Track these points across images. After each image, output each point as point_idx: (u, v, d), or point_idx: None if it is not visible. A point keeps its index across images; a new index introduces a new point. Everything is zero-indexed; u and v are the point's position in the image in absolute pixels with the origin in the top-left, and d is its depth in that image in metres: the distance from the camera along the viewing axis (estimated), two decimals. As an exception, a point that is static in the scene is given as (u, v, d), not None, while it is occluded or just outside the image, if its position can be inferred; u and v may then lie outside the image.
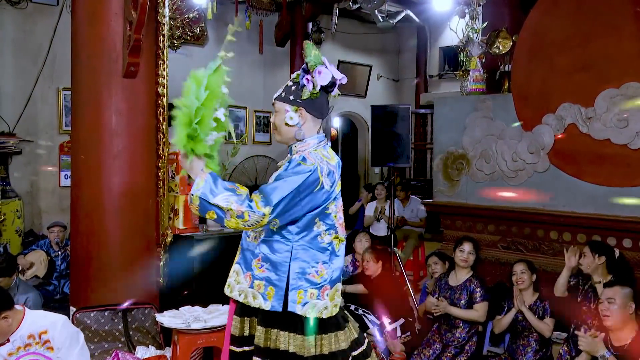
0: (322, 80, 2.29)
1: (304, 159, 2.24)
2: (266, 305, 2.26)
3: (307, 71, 2.31)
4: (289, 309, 2.24)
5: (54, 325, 2.76)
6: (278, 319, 2.27)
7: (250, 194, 2.18)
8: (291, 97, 2.35)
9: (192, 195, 2.13)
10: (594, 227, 4.78)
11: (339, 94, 2.43)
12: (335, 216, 2.34)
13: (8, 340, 2.63)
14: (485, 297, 4.32)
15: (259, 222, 2.12)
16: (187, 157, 2.18)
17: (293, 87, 2.36)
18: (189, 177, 2.33)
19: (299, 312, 2.24)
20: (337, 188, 2.36)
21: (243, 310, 2.37)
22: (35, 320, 2.74)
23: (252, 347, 2.32)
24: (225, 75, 2.38)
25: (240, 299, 2.33)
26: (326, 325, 2.30)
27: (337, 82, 2.35)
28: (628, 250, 4.62)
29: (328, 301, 2.30)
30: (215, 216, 2.13)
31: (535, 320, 4.14)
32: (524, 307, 4.18)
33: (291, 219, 2.22)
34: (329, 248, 2.33)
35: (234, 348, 2.38)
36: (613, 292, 3.31)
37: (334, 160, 2.35)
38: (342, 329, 2.35)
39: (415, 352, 4.44)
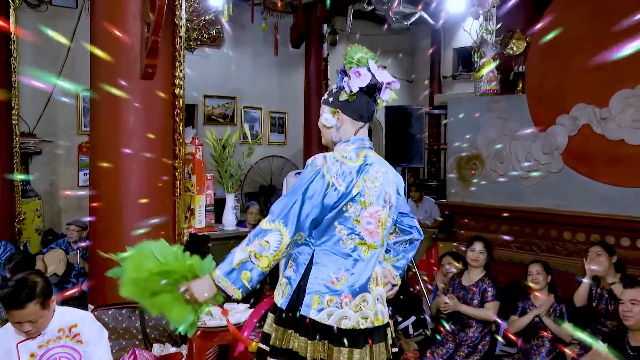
0: (357, 83, 2.23)
1: (313, 162, 2.21)
2: (280, 303, 2.24)
3: (345, 73, 2.28)
4: (302, 312, 2.16)
5: (83, 319, 2.81)
6: (292, 321, 2.20)
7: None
8: (330, 99, 2.33)
9: (223, 286, 2.11)
10: (607, 228, 4.75)
11: (393, 98, 2.34)
12: (358, 221, 2.19)
13: (39, 334, 2.65)
14: (497, 297, 4.32)
15: (281, 240, 2.09)
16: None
17: (334, 89, 2.34)
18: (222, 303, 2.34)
19: (313, 317, 2.14)
20: (374, 194, 2.22)
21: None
22: (64, 315, 2.77)
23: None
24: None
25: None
26: (346, 337, 2.15)
27: (384, 86, 2.26)
28: (642, 251, 4.59)
29: (349, 311, 2.16)
30: (249, 274, 2.09)
31: (556, 327, 4.12)
32: (544, 316, 4.16)
33: (313, 224, 2.15)
34: (353, 254, 2.20)
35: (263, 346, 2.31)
36: (638, 293, 3.29)
37: (357, 162, 2.21)
38: (362, 345, 2.17)
39: (428, 351, 4.44)
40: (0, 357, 2.57)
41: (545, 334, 4.21)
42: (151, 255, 2.24)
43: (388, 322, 2.31)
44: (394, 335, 2.39)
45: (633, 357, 3.24)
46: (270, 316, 2.31)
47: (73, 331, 2.73)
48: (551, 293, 4.25)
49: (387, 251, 2.45)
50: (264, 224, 2.14)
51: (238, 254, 2.13)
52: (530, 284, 4.29)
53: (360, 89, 2.25)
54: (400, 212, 2.47)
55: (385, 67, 2.30)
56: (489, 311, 4.29)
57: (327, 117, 2.33)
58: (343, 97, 2.28)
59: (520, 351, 4.41)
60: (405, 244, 2.52)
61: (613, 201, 4.71)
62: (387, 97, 2.30)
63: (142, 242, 2.31)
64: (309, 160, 2.24)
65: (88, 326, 2.80)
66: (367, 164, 2.23)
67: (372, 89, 2.26)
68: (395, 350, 2.38)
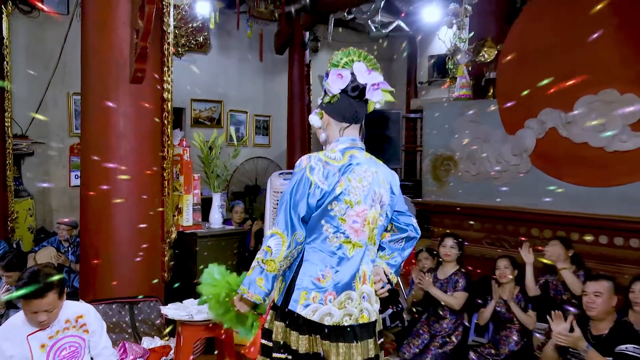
0: (337, 85, 2.21)
1: (299, 164, 2.20)
2: (277, 299, 2.25)
3: (328, 76, 2.26)
4: (290, 307, 2.16)
5: (88, 311, 2.84)
6: (285, 315, 2.21)
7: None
8: (319, 101, 2.32)
9: (245, 294, 2.19)
10: (572, 225, 4.80)
11: (388, 100, 2.29)
12: (344, 220, 2.15)
13: (48, 325, 2.65)
14: (465, 288, 4.37)
15: (280, 243, 2.10)
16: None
17: (323, 92, 2.31)
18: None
19: (300, 313, 2.13)
20: (361, 194, 2.18)
21: None
22: (68, 307, 2.79)
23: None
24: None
25: None
26: (333, 333, 2.14)
27: (369, 87, 2.22)
28: (604, 246, 4.65)
29: (333, 307, 2.13)
30: (263, 279, 2.14)
31: (520, 313, 4.19)
32: (511, 302, 4.22)
33: (304, 221, 2.15)
34: (338, 252, 2.17)
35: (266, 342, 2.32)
36: (600, 285, 3.34)
37: (342, 162, 2.17)
38: (349, 341, 2.15)
39: (404, 342, 4.47)
40: (11, 349, 2.56)
41: (513, 326, 4.26)
42: (217, 281, 2.47)
43: (376, 320, 2.26)
44: (380, 328, 2.36)
45: (594, 344, 3.29)
46: (271, 312, 2.30)
47: (80, 322, 2.75)
48: (517, 286, 4.30)
49: (382, 249, 2.39)
50: (268, 232, 2.18)
51: (253, 263, 2.18)
52: (498, 278, 4.36)
53: (343, 90, 2.22)
54: (396, 211, 2.39)
55: (376, 69, 2.25)
56: (456, 299, 4.34)
57: (312, 118, 2.32)
58: (326, 99, 2.27)
59: (490, 341, 4.45)
60: (402, 241, 2.42)
61: (578, 200, 4.76)
62: (378, 98, 2.25)
63: (207, 271, 2.56)
64: (297, 162, 2.23)
65: (92, 317, 2.83)
66: (351, 164, 2.18)
67: (354, 91, 2.22)
68: (381, 340, 2.35)
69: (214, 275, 2.49)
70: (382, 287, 2.30)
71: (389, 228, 2.42)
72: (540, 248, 4.46)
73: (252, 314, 2.35)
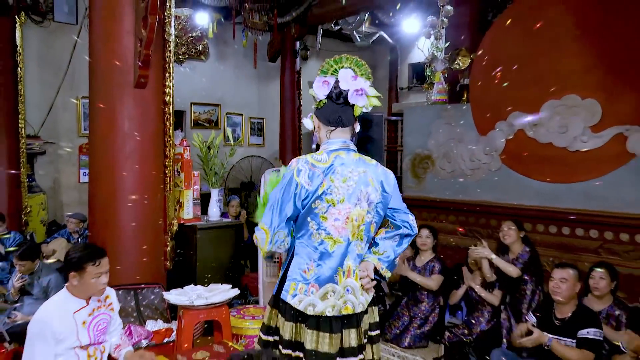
0: (321, 91, 2.19)
1: (289, 166, 2.18)
2: (274, 288, 2.25)
3: None
4: (282, 296, 2.16)
5: (112, 292, 2.87)
6: (277, 303, 2.21)
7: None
8: (313, 106, 2.30)
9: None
10: (538, 217, 4.85)
11: (371, 105, 2.23)
12: (325, 217, 2.12)
13: (87, 303, 2.69)
14: (441, 271, 4.43)
15: (264, 238, 2.14)
16: None
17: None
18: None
19: (289, 302, 2.14)
20: (345, 193, 2.13)
21: None
22: None
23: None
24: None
25: None
26: (312, 321, 2.12)
27: (350, 93, 2.17)
28: (566, 237, 4.69)
29: (316, 299, 2.11)
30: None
31: (485, 293, 4.24)
32: (474, 285, 4.28)
33: (289, 221, 2.14)
34: (319, 247, 2.14)
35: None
36: (566, 273, 3.37)
37: (326, 164, 2.13)
38: (331, 331, 2.11)
39: (386, 324, 4.49)
40: (60, 325, 2.56)
41: (484, 307, 4.30)
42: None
43: (362, 312, 2.19)
44: (375, 320, 2.30)
45: (559, 327, 3.32)
46: (268, 308, 2.29)
47: (107, 301, 2.80)
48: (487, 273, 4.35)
49: (375, 244, 2.31)
50: (259, 222, 2.20)
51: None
52: (470, 265, 4.41)
53: (328, 96, 2.20)
54: (392, 208, 2.30)
55: (365, 75, 2.21)
56: (432, 281, 4.39)
57: (306, 121, 2.30)
58: (315, 104, 2.26)
59: (464, 322, 4.49)
60: (397, 237, 2.32)
61: (543, 195, 4.80)
62: (362, 103, 2.20)
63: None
64: (288, 164, 2.22)
65: (115, 298, 2.88)
66: (333, 165, 2.14)
67: (338, 97, 2.19)
68: (377, 332, 2.30)
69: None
70: (369, 282, 2.21)
71: (385, 224, 2.36)
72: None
73: None
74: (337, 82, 2.19)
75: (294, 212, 2.13)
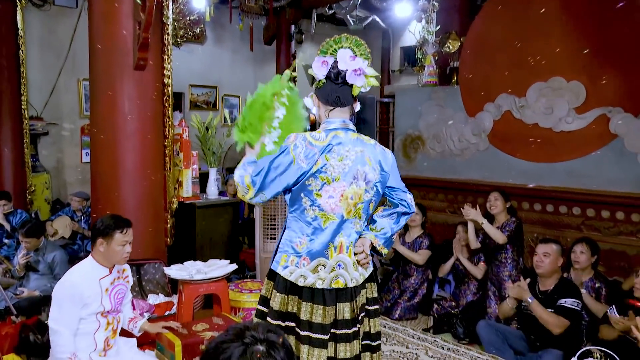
0: (321, 71, 2.15)
1: (287, 139, 2.13)
2: (270, 260, 2.24)
3: None
4: (272, 267, 2.16)
5: (127, 266, 2.88)
6: (271, 274, 2.20)
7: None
8: (313, 86, 2.25)
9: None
10: (523, 195, 4.87)
11: (370, 84, 2.17)
12: (319, 194, 2.08)
13: (111, 271, 2.71)
14: (428, 247, 4.46)
15: (246, 193, 2.07)
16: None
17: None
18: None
19: (280, 273, 2.13)
20: (341, 171, 2.09)
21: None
22: None
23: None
24: (285, 81, 2.27)
25: None
26: (307, 294, 2.10)
27: (350, 73, 2.11)
28: (550, 214, 4.72)
29: (307, 271, 2.10)
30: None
31: (470, 265, 4.28)
32: (462, 257, 4.33)
33: (276, 191, 2.08)
34: (313, 223, 2.11)
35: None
36: (549, 248, 3.41)
37: (324, 142, 2.09)
38: (324, 304, 2.09)
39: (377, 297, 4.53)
40: (88, 289, 2.57)
41: (470, 281, 4.35)
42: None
43: (358, 286, 2.17)
44: (373, 296, 2.28)
45: (541, 299, 3.36)
46: (266, 281, 2.26)
47: (124, 274, 2.81)
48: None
49: (373, 222, 2.30)
50: (243, 172, 2.10)
51: (238, 169, 2.16)
52: (457, 240, 4.46)
53: (327, 76, 2.15)
54: (390, 187, 2.25)
55: (365, 55, 2.15)
56: (420, 256, 4.42)
57: (306, 100, 2.26)
58: (315, 84, 2.21)
59: (451, 295, 4.53)
60: (395, 215, 2.29)
61: (528, 174, 4.82)
62: (360, 83, 2.14)
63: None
64: (287, 137, 2.16)
65: (129, 272, 2.90)
66: (330, 144, 2.09)
67: (337, 77, 2.14)
68: (375, 307, 2.29)
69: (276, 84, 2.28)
70: (364, 258, 2.19)
71: (384, 202, 2.33)
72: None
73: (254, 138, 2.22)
74: (335, 62, 2.14)
75: (284, 187, 2.09)
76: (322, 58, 2.16)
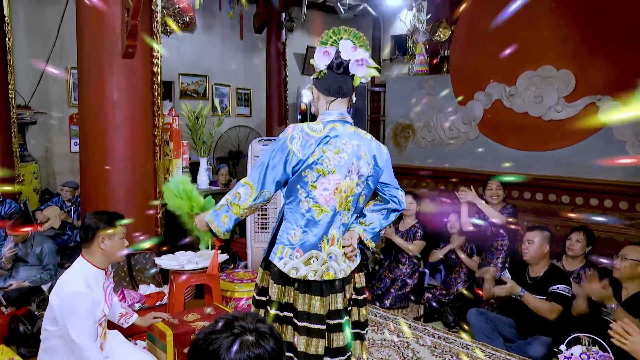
0: (322, 61, 2.14)
1: (284, 131, 2.13)
2: (265, 250, 2.24)
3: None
4: (270, 257, 2.16)
5: None
6: (267, 265, 2.20)
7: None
8: (312, 77, 2.24)
9: (209, 222, 2.18)
10: (513, 184, 4.87)
11: (371, 75, 2.17)
12: (314, 186, 2.08)
13: (106, 272, 2.63)
14: (423, 238, 4.45)
15: (249, 193, 2.06)
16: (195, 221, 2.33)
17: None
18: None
19: (275, 264, 2.13)
20: (336, 164, 2.09)
21: None
22: None
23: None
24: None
25: None
26: (302, 285, 2.12)
27: (351, 63, 2.12)
28: (539, 202, 4.74)
29: (299, 263, 2.11)
30: (227, 217, 2.12)
31: (466, 259, 4.27)
32: (459, 250, 4.32)
33: (278, 184, 2.09)
34: (306, 215, 2.12)
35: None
36: (534, 235, 3.45)
37: (321, 134, 2.08)
38: (321, 295, 2.11)
39: (369, 285, 4.53)
40: (98, 295, 2.47)
41: (461, 269, 4.36)
42: (181, 195, 2.47)
43: (345, 278, 2.18)
44: (361, 285, 2.29)
45: (531, 285, 3.39)
46: (261, 269, 2.28)
47: (108, 271, 2.70)
48: (463, 235, 4.39)
49: (363, 215, 2.29)
50: (241, 180, 2.14)
51: (221, 201, 2.16)
52: (449, 229, 4.44)
53: (328, 66, 2.14)
54: (382, 182, 2.27)
55: (364, 46, 2.15)
56: (415, 246, 4.42)
57: (304, 92, 2.28)
58: (315, 75, 2.20)
59: (442, 283, 4.54)
60: (385, 211, 2.31)
61: (518, 162, 4.83)
62: (362, 73, 2.15)
63: (174, 180, 2.54)
64: (284, 129, 2.16)
65: (110, 269, 2.82)
66: (328, 136, 2.08)
67: (339, 67, 2.13)
68: (363, 297, 2.30)
69: (179, 187, 2.47)
70: (352, 251, 2.20)
71: (374, 197, 2.34)
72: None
73: (210, 236, 2.32)
74: (338, 52, 2.14)
75: (282, 177, 2.09)
76: (323, 48, 2.16)
